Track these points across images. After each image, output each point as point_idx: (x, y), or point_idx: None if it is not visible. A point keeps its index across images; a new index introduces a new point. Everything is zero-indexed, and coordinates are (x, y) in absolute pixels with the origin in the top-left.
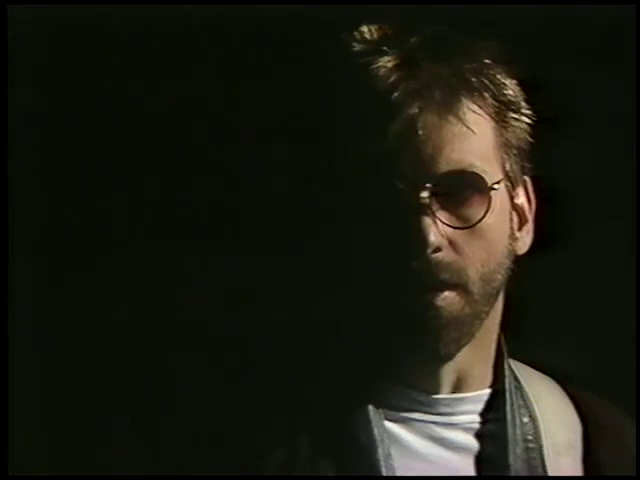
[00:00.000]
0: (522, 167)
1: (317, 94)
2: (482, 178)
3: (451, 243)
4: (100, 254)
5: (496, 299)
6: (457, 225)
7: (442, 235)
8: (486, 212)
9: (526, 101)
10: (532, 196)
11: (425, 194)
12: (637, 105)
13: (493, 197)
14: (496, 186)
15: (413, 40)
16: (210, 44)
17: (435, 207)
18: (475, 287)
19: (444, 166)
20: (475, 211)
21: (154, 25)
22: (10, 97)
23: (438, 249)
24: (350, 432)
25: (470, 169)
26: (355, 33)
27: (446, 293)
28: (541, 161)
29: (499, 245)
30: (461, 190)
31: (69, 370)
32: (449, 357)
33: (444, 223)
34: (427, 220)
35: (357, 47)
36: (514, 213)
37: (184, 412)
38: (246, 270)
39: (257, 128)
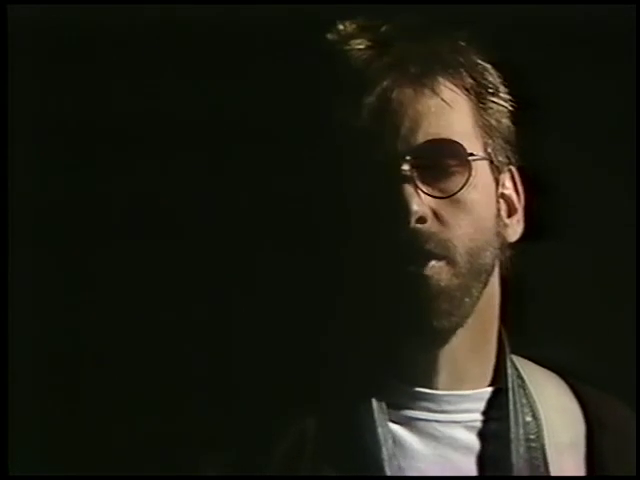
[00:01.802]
0: (506, 155)
1: (296, 78)
2: (461, 146)
3: (436, 215)
4: (100, 254)
5: (487, 279)
6: (439, 195)
7: (425, 205)
8: (467, 180)
9: (508, 88)
10: (520, 187)
11: (406, 166)
12: (637, 106)
13: (474, 167)
14: (476, 153)
15: (384, 28)
16: (209, 43)
17: (417, 179)
18: (462, 259)
19: (422, 138)
20: (456, 181)
21: (154, 25)
22: (10, 97)
23: (422, 219)
24: (354, 433)
25: (448, 138)
26: (331, 30)
27: (433, 262)
28: (530, 152)
29: (486, 222)
30: (441, 160)
31: (69, 370)
32: (443, 334)
33: (426, 193)
34: (409, 190)
35: (332, 36)
36: (502, 201)
37: (186, 413)
38: (243, 261)
39: (242, 114)
